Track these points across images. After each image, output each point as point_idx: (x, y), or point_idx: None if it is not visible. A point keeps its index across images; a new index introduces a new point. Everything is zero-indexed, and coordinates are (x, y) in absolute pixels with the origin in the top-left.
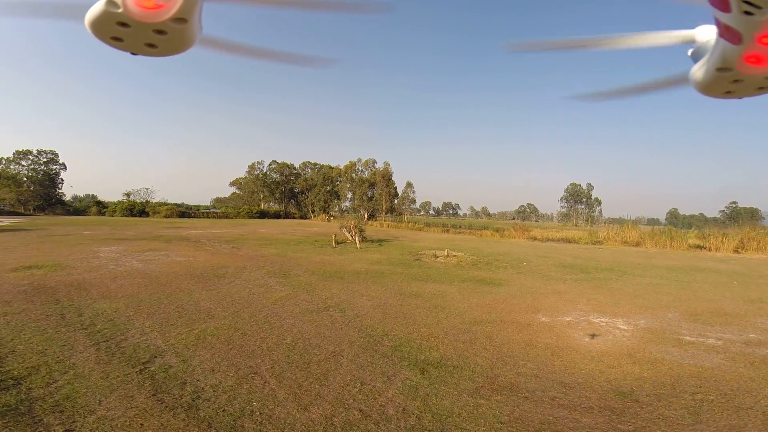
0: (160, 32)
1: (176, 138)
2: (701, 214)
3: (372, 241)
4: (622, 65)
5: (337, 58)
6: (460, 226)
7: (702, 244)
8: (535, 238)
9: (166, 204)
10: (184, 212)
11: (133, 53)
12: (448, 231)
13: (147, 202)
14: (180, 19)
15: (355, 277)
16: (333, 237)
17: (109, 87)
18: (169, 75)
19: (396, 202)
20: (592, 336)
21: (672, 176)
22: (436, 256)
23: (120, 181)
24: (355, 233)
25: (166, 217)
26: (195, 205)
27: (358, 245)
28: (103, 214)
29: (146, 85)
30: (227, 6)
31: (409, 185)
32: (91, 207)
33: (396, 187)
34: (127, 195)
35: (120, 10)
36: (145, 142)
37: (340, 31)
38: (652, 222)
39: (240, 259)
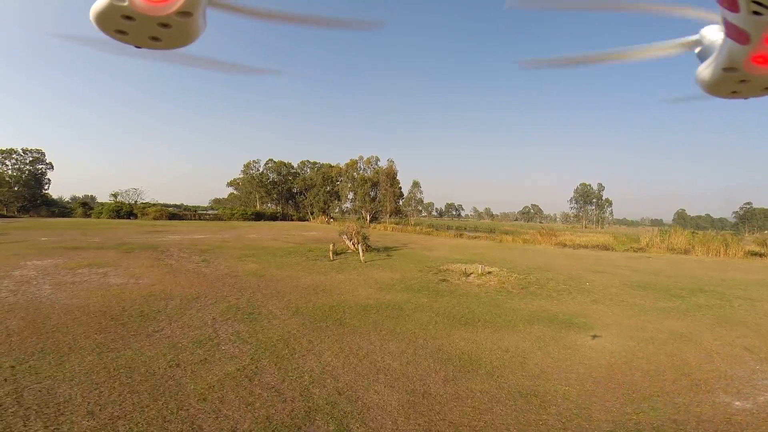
0: (164, 26)
1: (178, 139)
2: (708, 215)
3: (378, 250)
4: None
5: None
6: (465, 228)
7: (763, 252)
8: (564, 245)
9: (155, 205)
10: (174, 214)
11: (137, 46)
12: (461, 235)
13: (135, 203)
14: (185, 13)
15: (362, 320)
16: (330, 246)
17: (111, 88)
18: (172, 76)
19: (401, 203)
20: None
21: (673, 176)
22: (466, 274)
23: (122, 182)
24: (358, 241)
25: (155, 219)
26: (194, 206)
27: (361, 257)
28: (90, 215)
29: (149, 87)
30: (229, 15)
31: (416, 185)
32: (77, 209)
33: (401, 187)
34: (114, 196)
35: (125, 4)
36: (147, 143)
37: (340, 32)
38: (656, 223)
39: (200, 281)
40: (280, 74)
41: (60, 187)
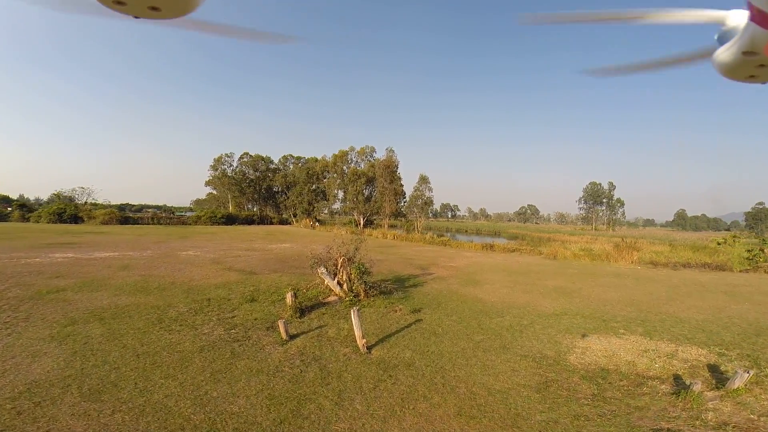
0: None
1: (163, 139)
2: (704, 214)
3: (386, 292)
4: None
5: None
6: (466, 230)
7: None
8: (654, 263)
9: (105, 207)
10: (128, 217)
11: (135, 17)
12: (492, 248)
13: (85, 203)
14: None
15: None
16: (288, 299)
17: (94, 86)
18: (161, 76)
19: (404, 203)
20: None
21: (663, 177)
22: (695, 412)
23: (111, 184)
24: (350, 278)
25: (103, 223)
26: (177, 207)
27: (359, 339)
28: (28, 219)
29: (135, 87)
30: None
31: (423, 180)
32: (13, 211)
33: (402, 184)
34: (57, 196)
35: None
36: (133, 144)
37: (338, 32)
38: (649, 223)
39: None
40: (291, 41)
41: (43, 187)
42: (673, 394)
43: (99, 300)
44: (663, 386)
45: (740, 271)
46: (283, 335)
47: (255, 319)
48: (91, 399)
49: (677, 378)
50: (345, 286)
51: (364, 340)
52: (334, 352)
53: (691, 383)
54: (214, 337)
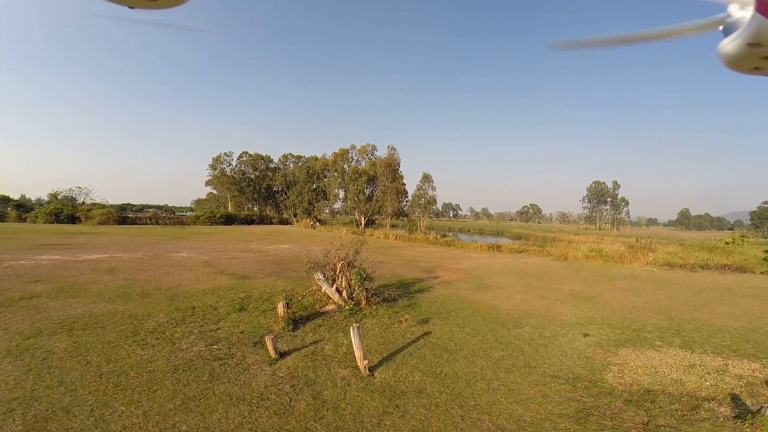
0: None
1: (167, 139)
2: (707, 213)
3: (389, 299)
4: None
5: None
6: (468, 230)
7: None
8: (671, 265)
9: (102, 207)
10: (126, 217)
11: (130, 6)
12: (498, 248)
13: (83, 203)
14: None
15: None
16: (281, 309)
17: (96, 87)
18: (163, 77)
19: (407, 203)
20: None
21: (664, 177)
22: None
23: (113, 184)
24: (348, 283)
25: (100, 223)
26: (178, 207)
27: (361, 363)
28: (24, 219)
29: (135, 88)
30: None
31: (426, 179)
32: (10, 212)
33: (404, 183)
34: (54, 196)
35: None
36: (135, 144)
37: (341, 33)
38: (651, 223)
39: None
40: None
41: (45, 188)
42: (735, 417)
43: (73, 307)
44: (722, 409)
45: (762, 273)
46: (272, 353)
47: (241, 332)
48: (35, 428)
49: (735, 398)
50: (344, 294)
51: (366, 362)
52: (331, 375)
53: (763, 406)
54: (192, 354)
